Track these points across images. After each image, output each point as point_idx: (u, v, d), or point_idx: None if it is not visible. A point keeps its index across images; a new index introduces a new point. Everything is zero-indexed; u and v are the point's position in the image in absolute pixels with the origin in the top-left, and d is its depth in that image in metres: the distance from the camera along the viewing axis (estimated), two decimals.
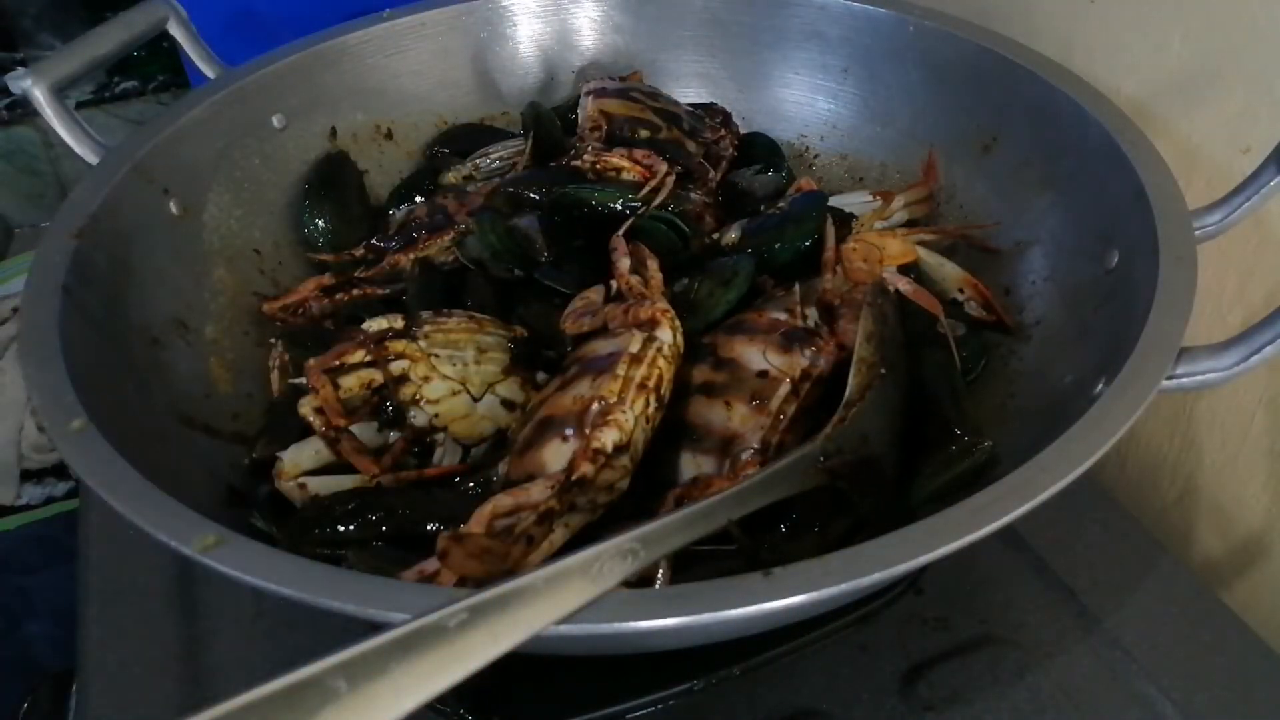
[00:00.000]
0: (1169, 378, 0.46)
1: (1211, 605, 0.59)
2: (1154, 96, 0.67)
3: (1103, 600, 0.59)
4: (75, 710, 0.58)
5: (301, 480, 0.56)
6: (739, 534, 0.50)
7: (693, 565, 0.47)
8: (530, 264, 0.67)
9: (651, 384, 0.51)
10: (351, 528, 0.52)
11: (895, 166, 0.79)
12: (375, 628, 0.32)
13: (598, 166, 0.71)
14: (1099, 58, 0.70)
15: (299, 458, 0.57)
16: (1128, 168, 0.57)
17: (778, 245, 0.66)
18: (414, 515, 0.53)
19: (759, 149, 0.81)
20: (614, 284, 0.61)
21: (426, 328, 0.60)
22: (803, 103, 0.83)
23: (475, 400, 0.59)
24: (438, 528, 0.52)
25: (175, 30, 0.74)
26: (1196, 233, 0.53)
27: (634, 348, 0.52)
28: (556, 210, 0.67)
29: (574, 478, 0.47)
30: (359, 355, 0.58)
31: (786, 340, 0.57)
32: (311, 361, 0.58)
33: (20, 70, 0.64)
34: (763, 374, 0.55)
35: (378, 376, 0.58)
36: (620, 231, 0.63)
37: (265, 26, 1.02)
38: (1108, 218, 0.59)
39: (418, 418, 0.58)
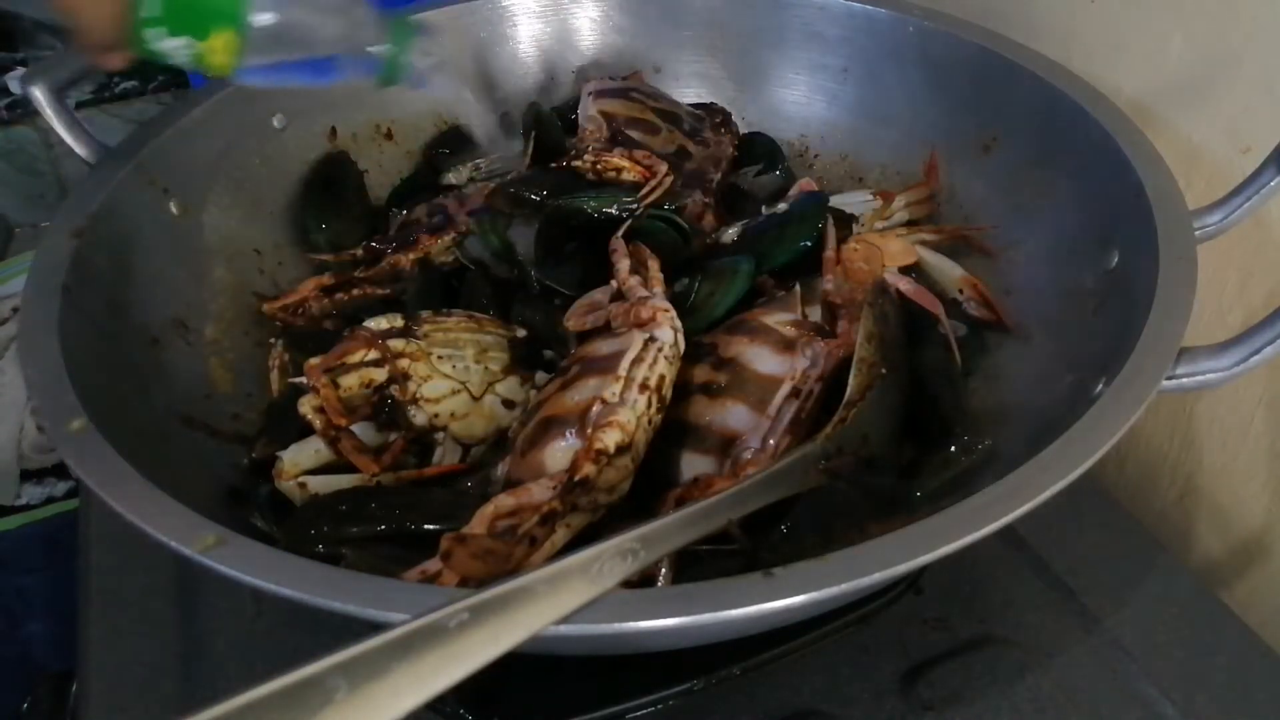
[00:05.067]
0: (1169, 378, 0.46)
1: (1211, 605, 0.59)
2: (1154, 96, 0.67)
3: (1103, 600, 0.59)
4: (75, 710, 0.58)
5: (301, 480, 0.56)
6: (739, 534, 0.50)
7: (693, 565, 0.47)
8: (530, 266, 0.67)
9: (653, 384, 0.51)
10: (351, 527, 0.52)
11: (895, 166, 0.79)
12: (375, 628, 0.32)
13: (598, 167, 0.71)
14: (1099, 58, 0.70)
15: (299, 457, 0.57)
16: (1128, 168, 0.57)
17: (778, 245, 0.66)
18: (414, 515, 0.53)
19: (759, 149, 0.81)
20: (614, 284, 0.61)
21: (426, 327, 0.60)
22: (803, 103, 0.83)
23: (475, 399, 0.59)
24: (438, 527, 0.52)
25: None
26: (1196, 233, 0.53)
27: (635, 348, 0.52)
28: (553, 224, 0.67)
29: (576, 478, 0.47)
30: (361, 354, 0.58)
31: (787, 340, 0.57)
32: (312, 361, 0.58)
33: (20, 70, 0.64)
34: (763, 374, 0.55)
35: (377, 376, 0.58)
36: (619, 233, 0.64)
37: None
38: (1108, 218, 0.59)
39: (418, 417, 0.58)
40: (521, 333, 0.63)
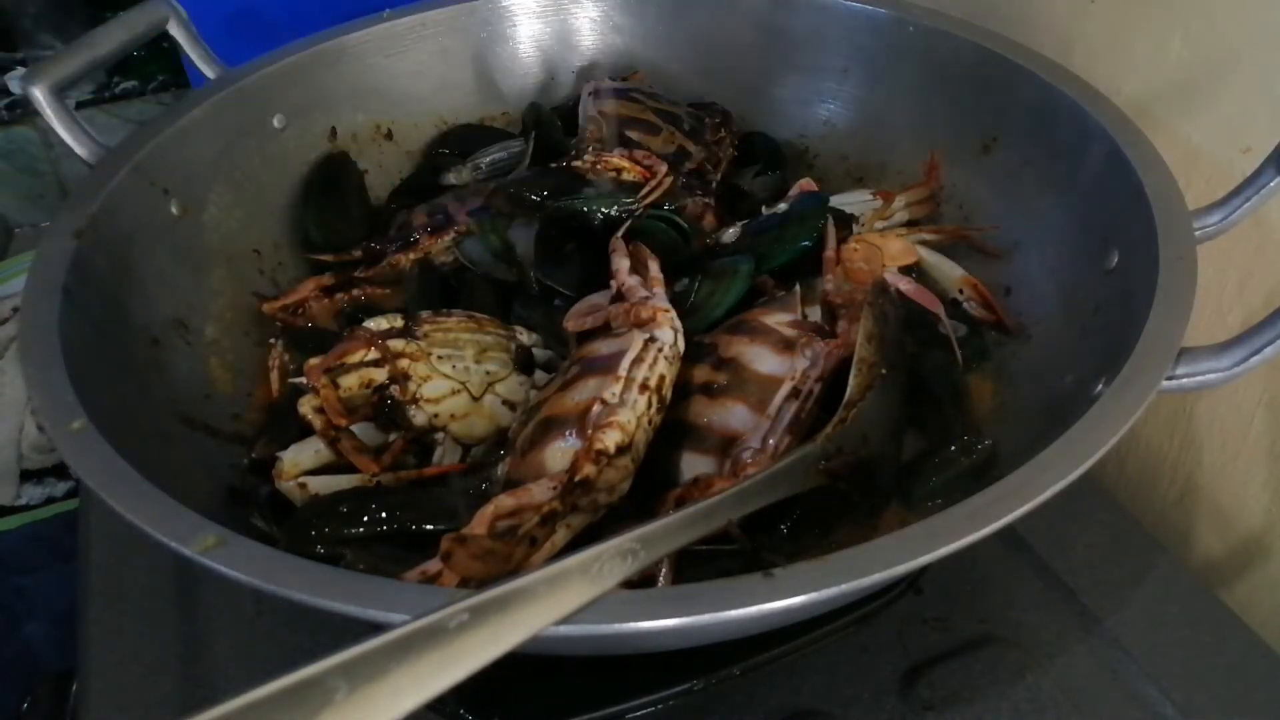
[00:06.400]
0: (1169, 378, 0.46)
1: (1211, 605, 0.59)
2: (1154, 96, 0.67)
3: (1103, 600, 0.59)
4: (75, 710, 0.58)
5: (301, 480, 0.56)
6: (739, 534, 0.50)
7: (693, 565, 0.47)
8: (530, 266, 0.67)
9: (653, 385, 0.51)
10: (351, 528, 0.52)
11: (895, 166, 0.79)
12: (375, 628, 0.32)
13: (598, 167, 0.71)
14: (1099, 58, 0.70)
15: (299, 457, 0.57)
16: (1128, 168, 0.57)
17: (778, 245, 0.66)
18: (414, 515, 0.53)
19: (759, 149, 0.81)
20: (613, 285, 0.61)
21: (426, 327, 0.60)
22: (803, 103, 0.83)
23: (475, 400, 0.59)
24: (438, 527, 0.52)
25: (175, 30, 0.74)
26: (1196, 233, 0.53)
27: (635, 348, 0.52)
28: (552, 224, 0.67)
29: (577, 479, 0.47)
30: (361, 354, 0.58)
31: (787, 340, 0.57)
32: (312, 361, 0.58)
33: (20, 70, 0.64)
34: (763, 374, 0.55)
35: (377, 376, 0.58)
36: (619, 233, 0.64)
37: (265, 26, 1.02)
38: (1108, 218, 0.59)
39: (417, 417, 0.58)
40: (526, 340, 0.63)
